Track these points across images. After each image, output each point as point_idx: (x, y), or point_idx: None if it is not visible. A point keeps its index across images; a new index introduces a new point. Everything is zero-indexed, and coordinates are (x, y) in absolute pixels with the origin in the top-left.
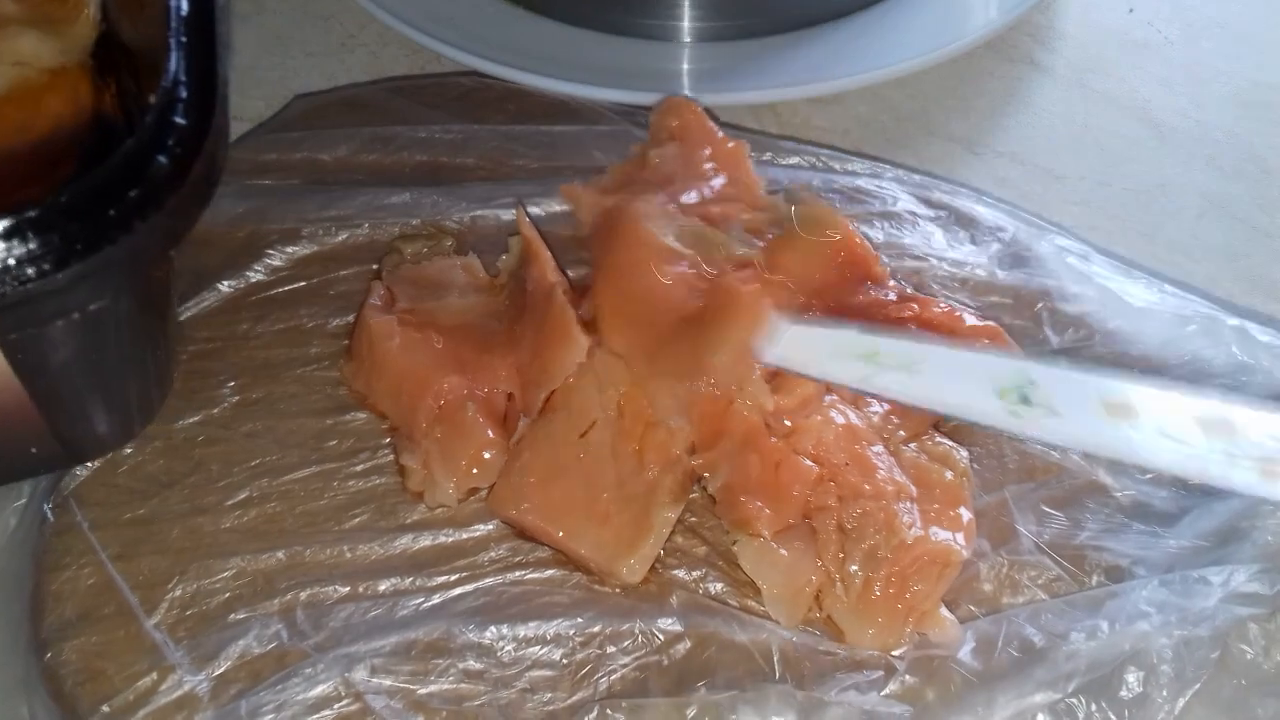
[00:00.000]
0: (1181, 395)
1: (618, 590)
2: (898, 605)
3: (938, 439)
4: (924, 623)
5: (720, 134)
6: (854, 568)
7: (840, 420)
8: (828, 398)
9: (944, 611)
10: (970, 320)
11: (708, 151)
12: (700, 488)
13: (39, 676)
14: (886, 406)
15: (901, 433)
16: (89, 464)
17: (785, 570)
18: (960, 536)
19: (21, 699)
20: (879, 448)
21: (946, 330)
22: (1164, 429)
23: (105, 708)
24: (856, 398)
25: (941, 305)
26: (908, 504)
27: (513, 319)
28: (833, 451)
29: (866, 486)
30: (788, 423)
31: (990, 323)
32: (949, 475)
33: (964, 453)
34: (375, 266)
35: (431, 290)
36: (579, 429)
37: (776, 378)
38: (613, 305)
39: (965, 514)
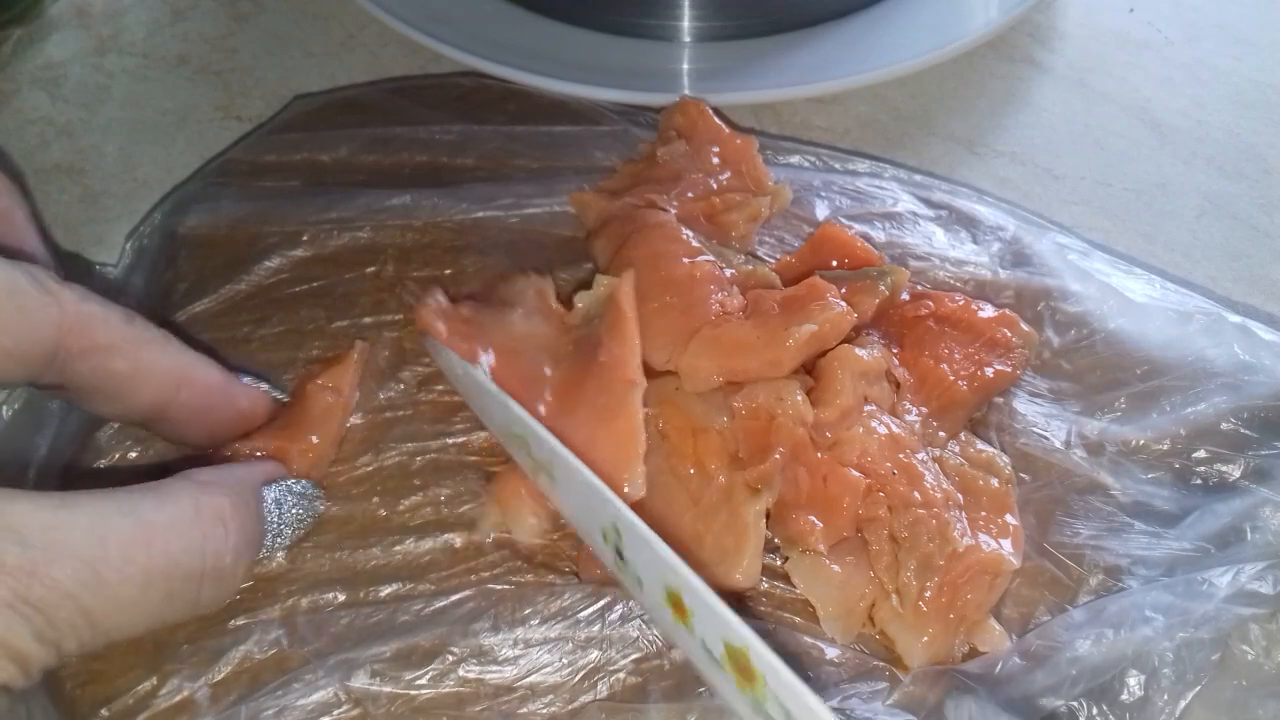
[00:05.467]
0: (725, 614)
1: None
2: (949, 615)
3: (979, 445)
4: (974, 633)
5: (728, 130)
6: (908, 577)
7: (882, 430)
8: (867, 407)
9: (992, 622)
10: (985, 312)
11: (716, 149)
12: None
13: (39, 679)
14: (925, 411)
15: (942, 433)
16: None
17: (840, 586)
18: (1009, 544)
19: (21, 701)
20: (923, 455)
21: (964, 324)
22: (705, 644)
23: (104, 711)
24: (895, 405)
25: (957, 299)
26: (957, 512)
27: (567, 372)
28: (878, 461)
29: (915, 495)
30: (829, 435)
31: (1004, 310)
32: (994, 482)
33: (1007, 459)
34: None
35: (496, 305)
36: None
37: (814, 391)
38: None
39: (1012, 521)
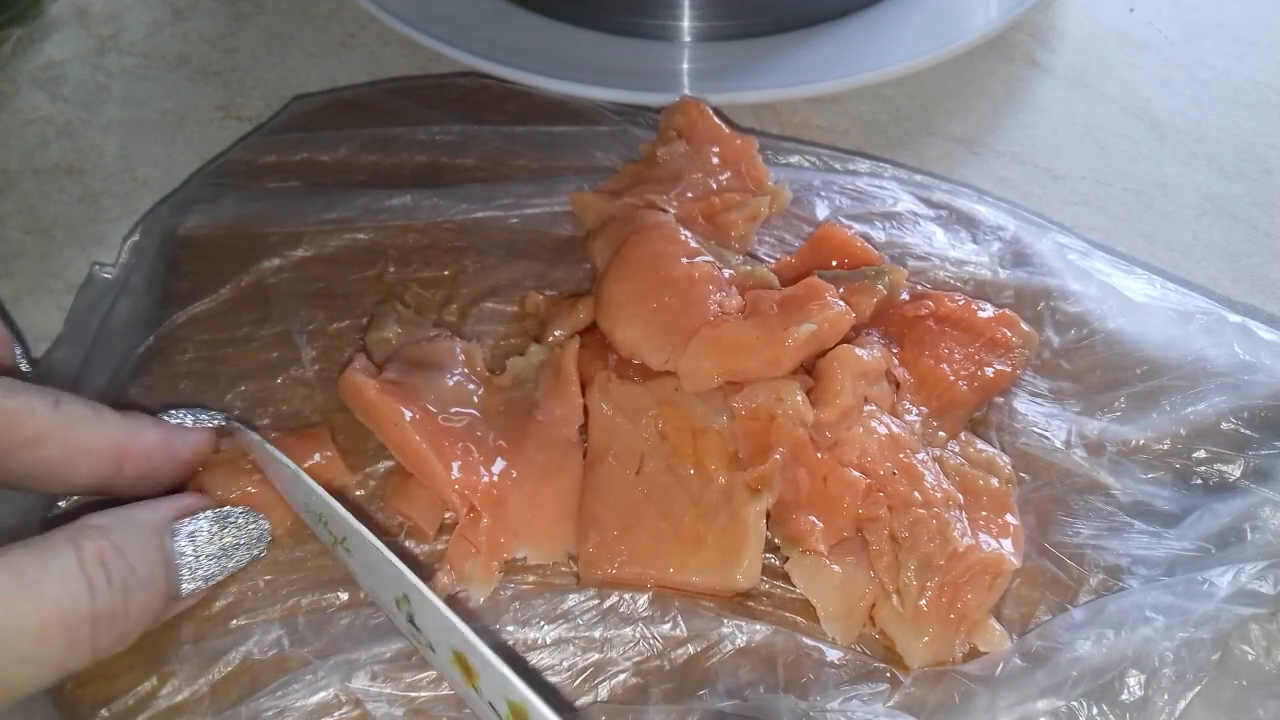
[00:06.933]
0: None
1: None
2: (950, 615)
3: (979, 445)
4: (974, 633)
5: (728, 130)
6: (909, 577)
7: (882, 430)
8: (867, 407)
9: (992, 622)
10: (985, 312)
11: (715, 149)
12: None
13: None
14: (925, 411)
15: (942, 433)
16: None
17: (840, 586)
18: (1009, 544)
19: (21, 701)
20: (923, 455)
21: (964, 323)
22: (492, 705)
23: (105, 711)
24: (895, 405)
25: (957, 299)
26: (957, 512)
27: (500, 432)
28: (878, 461)
29: (916, 495)
30: (829, 435)
31: (1004, 310)
32: (994, 482)
33: (1007, 458)
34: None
35: (423, 368)
36: (632, 468)
37: (814, 391)
38: (630, 297)
39: (1013, 521)
